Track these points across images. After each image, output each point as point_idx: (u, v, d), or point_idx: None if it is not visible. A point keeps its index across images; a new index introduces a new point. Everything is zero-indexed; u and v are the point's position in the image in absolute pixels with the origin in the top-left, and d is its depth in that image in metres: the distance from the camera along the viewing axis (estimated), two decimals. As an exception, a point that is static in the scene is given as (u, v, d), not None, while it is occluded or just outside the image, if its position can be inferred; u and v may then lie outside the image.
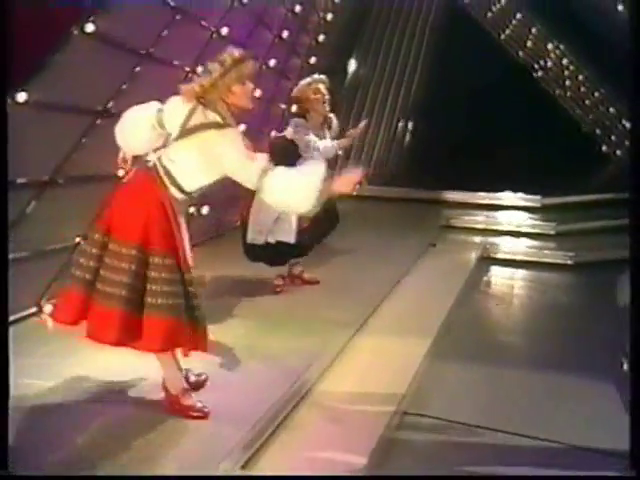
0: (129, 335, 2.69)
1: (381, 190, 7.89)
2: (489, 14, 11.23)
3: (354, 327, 4.07)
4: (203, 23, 5.32)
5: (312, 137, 4.50)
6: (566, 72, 11.60)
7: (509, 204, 7.17)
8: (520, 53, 11.58)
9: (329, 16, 7.89)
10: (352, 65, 9.37)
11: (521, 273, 5.90)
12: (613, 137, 11.44)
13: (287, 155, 4.23)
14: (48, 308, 4.07)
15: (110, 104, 4.37)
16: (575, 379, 3.76)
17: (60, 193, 4.08)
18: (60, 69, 3.90)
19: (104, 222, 2.81)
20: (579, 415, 3.37)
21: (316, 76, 4.72)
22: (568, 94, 11.67)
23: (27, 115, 3.63)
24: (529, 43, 11.58)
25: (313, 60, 7.77)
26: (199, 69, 5.27)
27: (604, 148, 11.59)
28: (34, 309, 4.02)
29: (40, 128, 3.80)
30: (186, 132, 2.76)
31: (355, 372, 3.55)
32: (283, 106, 7.19)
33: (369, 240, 6.15)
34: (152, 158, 2.87)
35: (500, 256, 6.14)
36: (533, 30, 11.30)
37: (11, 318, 3.46)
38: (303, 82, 4.71)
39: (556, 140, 9.82)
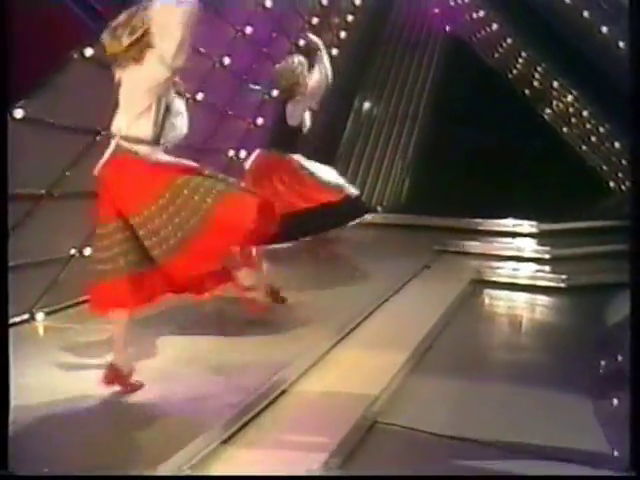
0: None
1: (383, 217, 7.91)
2: (496, 54, 11.31)
3: (334, 339, 4.02)
4: (202, 50, 5.45)
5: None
6: (571, 109, 11.54)
7: (507, 230, 7.08)
8: (527, 92, 11.58)
9: (334, 51, 8.05)
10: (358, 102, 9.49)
11: (512, 295, 5.80)
12: (620, 174, 11.28)
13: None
14: (40, 316, 4.14)
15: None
16: (552, 393, 3.64)
17: (55, 206, 4.16)
18: (58, 89, 4.04)
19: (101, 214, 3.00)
20: (552, 427, 3.26)
21: (298, 59, 4.71)
22: (574, 131, 11.58)
23: (23, 131, 3.75)
24: (535, 83, 11.58)
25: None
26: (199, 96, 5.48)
27: (611, 184, 11.43)
28: (26, 316, 4.06)
29: (36, 144, 3.92)
30: None
31: (327, 380, 3.49)
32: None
33: (366, 262, 6.12)
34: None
35: (494, 279, 6.05)
36: (539, 69, 11.31)
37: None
38: (288, 66, 4.69)
39: (562, 174, 9.74)
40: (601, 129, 11.18)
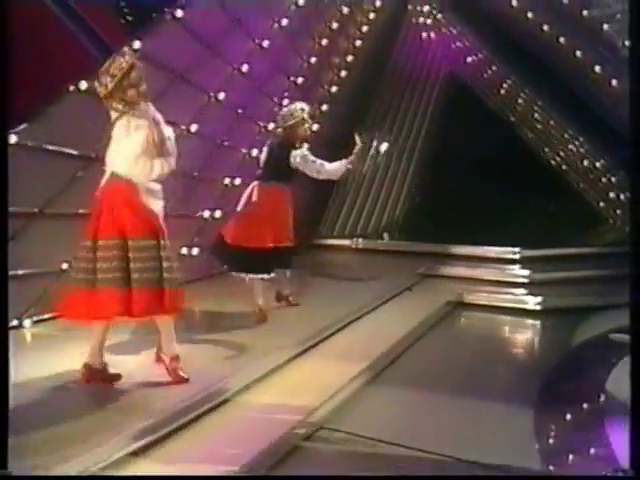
0: (124, 307, 3.10)
1: (373, 243, 8.00)
2: (498, 96, 11.35)
3: (297, 350, 4.08)
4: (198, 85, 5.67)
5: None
6: (571, 146, 11.46)
7: (492, 256, 7.07)
8: (530, 135, 11.53)
9: (333, 88, 8.26)
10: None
11: (486, 316, 5.77)
12: (619, 211, 11.10)
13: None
14: (27, 322, 4.33)
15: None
16: (502, 407, 3.63)
17: (46, 224, 4.37)
18: (51, 118, 4.29)
19: (90, 232, 3.21)
20: (493, 437, 3.24)
21: (300, 105, 4.94)
22: (572, 167, 11.49)
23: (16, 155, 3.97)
24: (539, 126, 11.51)
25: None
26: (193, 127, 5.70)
27: (610, 221, 11.27)
28: (15, 322, 4.25)
29: (29, 167, 4.14)
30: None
31: (279, 387, 3.55)
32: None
33: (351, 283, 6.20)
34: None
35: (471, 301, 6.03)
36: (536, 108, 11.30)
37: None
38: (289, 111, 4.91)
39: (559, 209, 9.69)
40: (597, 164, 11.09)
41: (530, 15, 9.36)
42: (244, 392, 3.39)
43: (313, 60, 7.65)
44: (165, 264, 3.19)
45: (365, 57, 8.90)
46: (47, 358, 3.64)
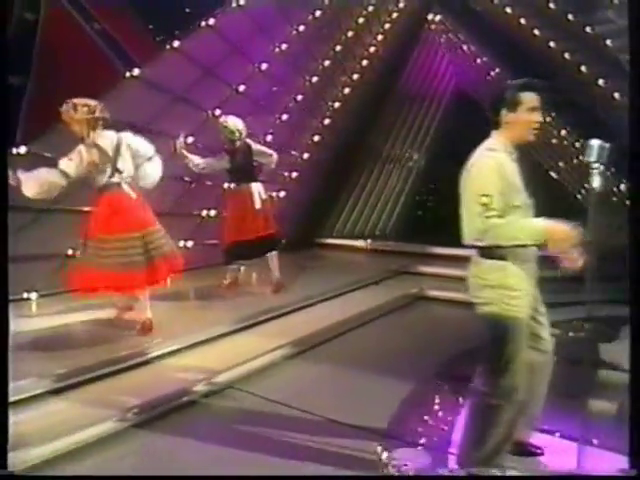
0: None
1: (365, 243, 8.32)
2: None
3: (237, 327, 4.53)
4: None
5: None
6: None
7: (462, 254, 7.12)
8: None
9: (336, 104, 8.60)
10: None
11: (441, 309, 5.85)
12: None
13: None
14: (34, 295, 5.05)
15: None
16: (399, 385, 3.77)
17: (52, 218, 5.07)
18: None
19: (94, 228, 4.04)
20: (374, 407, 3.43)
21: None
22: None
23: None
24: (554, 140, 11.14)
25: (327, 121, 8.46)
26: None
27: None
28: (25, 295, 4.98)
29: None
30: None
31: (204, 354, 4.01)
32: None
33: (324, 277, 6.49)
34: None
35: (432, 295, 6.17)
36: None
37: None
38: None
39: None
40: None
41: (537, 32, 9.33)
42: (170, 355, 3.89)
43: (315, 79, 8.00)
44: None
45: (379, 64, 9.06)
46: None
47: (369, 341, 4.88)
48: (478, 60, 10.59)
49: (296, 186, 8.13)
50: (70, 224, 5.00)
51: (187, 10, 7.15)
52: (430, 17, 10.28)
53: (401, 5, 8.94)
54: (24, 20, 7.10)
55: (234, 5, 6.29)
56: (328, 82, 8.21)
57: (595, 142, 2.33)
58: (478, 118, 9.62)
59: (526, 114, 2.38)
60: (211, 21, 6.09)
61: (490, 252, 2.38)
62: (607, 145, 2.33)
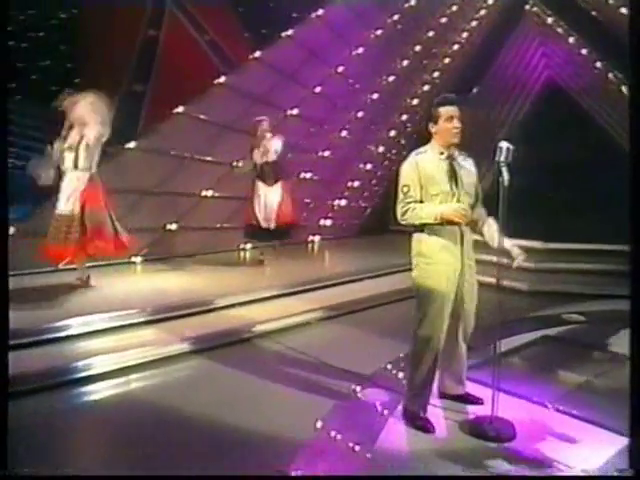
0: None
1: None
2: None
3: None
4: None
5: None
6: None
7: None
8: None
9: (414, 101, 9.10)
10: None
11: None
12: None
13: None
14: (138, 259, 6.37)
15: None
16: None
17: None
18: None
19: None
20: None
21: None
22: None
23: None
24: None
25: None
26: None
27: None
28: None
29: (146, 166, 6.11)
30: None
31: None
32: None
33: (384, 257, 7.17)
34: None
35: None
36: None
37: None
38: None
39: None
40: None
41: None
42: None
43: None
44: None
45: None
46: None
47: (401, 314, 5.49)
48: (575, 53, 10.36)
49: (372, 178, 8.80)
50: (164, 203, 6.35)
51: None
52: (527, 8, 10.32)
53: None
54: (148, 36, 8.58)
55: (312, 16, 7.15)
56: (406, 81, 8.74)
57: (504, 144, 2.84)
58: (568, 114, 9.40)
59: (445, 123, 2.95)
60: (290, 32, 6.99)
61: (416, 228, 3.02)
62: (512, 147, 2.83)
